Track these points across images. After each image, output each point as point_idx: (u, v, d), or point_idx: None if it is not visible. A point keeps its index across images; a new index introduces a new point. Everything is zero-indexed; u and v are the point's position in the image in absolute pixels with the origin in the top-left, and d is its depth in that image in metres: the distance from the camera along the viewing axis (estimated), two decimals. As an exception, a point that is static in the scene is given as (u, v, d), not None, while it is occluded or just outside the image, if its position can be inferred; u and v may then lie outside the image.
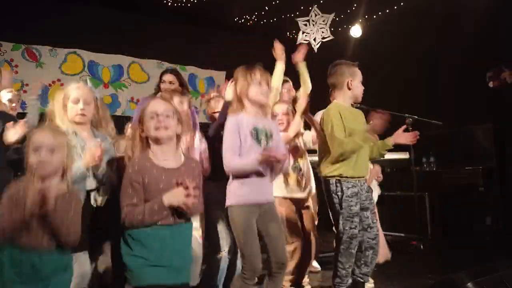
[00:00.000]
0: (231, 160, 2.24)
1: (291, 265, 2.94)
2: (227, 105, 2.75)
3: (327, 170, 2.68)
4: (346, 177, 2.62)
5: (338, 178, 2.63)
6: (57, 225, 1.78)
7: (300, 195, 3.11)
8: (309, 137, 3.19)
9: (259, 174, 2.27)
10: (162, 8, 5.81)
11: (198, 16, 6.01)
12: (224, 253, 2.72)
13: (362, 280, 2.71)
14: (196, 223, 2.76)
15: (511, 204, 4.99)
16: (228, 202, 2.30)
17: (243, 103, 2.32)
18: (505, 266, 1.99)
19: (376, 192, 3.36)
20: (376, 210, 3.15)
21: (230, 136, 2.26)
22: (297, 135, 3.16)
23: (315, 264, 3.78)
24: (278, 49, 2.93)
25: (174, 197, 1.89)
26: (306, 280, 3.28)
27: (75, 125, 2.33)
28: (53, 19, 5.22)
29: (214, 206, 2.65)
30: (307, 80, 3.20)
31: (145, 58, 6.08)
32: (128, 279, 1.95)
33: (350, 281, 2.66)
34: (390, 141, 2.73)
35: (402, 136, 2.73)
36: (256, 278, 2.28)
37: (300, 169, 3.10)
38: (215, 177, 2.60)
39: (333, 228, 4.79)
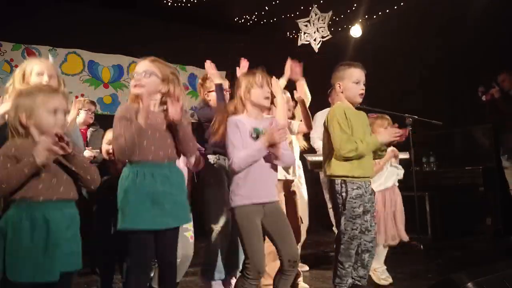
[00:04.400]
0: (236, 155, 2.25)
1: (272, 269, 2.69)
2: (220, 87, 2.92)
3: (332, 169, 2.67)
4: (352, 177, 2.62)
5: (344, 178, 2.62)
6: (83, 168, 1.87)
7: (288, 177, 3.14)
8: (296, 125, 3.35)
9: (262, 173, 2.30)
10: (162, 8, 5.81)
11: (198, 16, 6.01)
12: (218, 228, 2.89)
13: (359, 283, 2.72)
14: (188, 224, 2.82)
15: (511, 204, 5.00)
16: (232, 203, 2.31)
17: (245, 106, 2.38)
18: (505, 266, 1.99)
19: (397, 176, 3.41)
20: (398, 190, 3.39)
21: (231, 136, 2.30)
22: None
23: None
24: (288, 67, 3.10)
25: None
26: (300, 279, 3.25)
27: None
28: (53, 19, 5.22)
29: (209, 183, 2.88)
30: (307, 93, 3.32)
31: (145, 58, 6.08)
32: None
33: (350, 281, 2.66)
34: (378, 139, 2.68)
35: (384, 133, 2.69)
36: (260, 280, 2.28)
37: None
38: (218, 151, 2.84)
39: (333, 228, 4.82)
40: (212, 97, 3.11)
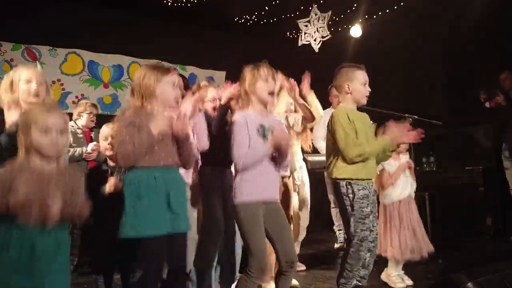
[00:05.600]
0: (242, 153, 2.26)
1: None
2: (226, 107, 2.80)
3: (336, 172, 2.66)
4: (357, 179, 2.61)
5: (349, 180, 2.62)
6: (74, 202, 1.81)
7: (284, 173, 3.17)
8: (297, 120, 3.35)
9: (266, 171, 2.31)
10: (162, 8, 5.80)
11: (198, 16, 6.01)
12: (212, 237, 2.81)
13: (360, 284, 2.71)
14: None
15: (511, 204, 5.00)
16: (235, 200, 2.30)
17: (250, 99, 2.38)
18: (505, 266, 1.99)
19: (411, 187, 3.39)
20: (413, 202, 3.35)
21: (239, 132, 2.30)
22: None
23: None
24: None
25: None
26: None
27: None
28: (53, 19, 5.22)
29: (211, 192, 2.79)
30: (318, 108, 3.31)
31: (145, 58, 6.07)
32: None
33: (354, 282, 2.66)
34: (388, 138, 2.71)
35: (405, 136, 2.70)
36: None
37: None
38: (212, 162, 2.77)
39: (333, 227, 4.82)
40: (208, 106, 3.00)
